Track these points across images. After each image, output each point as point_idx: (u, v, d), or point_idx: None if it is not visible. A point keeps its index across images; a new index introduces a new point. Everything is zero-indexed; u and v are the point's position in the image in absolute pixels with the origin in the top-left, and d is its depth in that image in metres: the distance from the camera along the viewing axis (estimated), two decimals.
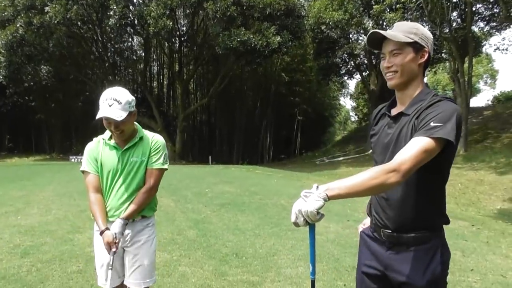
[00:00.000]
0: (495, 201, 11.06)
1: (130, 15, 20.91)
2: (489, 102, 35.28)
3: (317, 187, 1.44)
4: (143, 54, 29.80)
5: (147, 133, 2.50)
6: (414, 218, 1.63)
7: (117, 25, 20.06)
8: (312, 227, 1.57)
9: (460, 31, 18.85)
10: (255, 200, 8.25)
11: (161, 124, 25.97)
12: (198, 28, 26.98)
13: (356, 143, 27.49)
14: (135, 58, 29.80)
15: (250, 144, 33.01)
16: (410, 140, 1.49)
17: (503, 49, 25.23)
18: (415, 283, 1.60)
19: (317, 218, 1.41)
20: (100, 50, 26.86)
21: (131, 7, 21.53)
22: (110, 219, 2.40)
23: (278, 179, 13.00)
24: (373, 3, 18.29)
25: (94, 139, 2.51)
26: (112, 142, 2.43)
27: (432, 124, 1.48)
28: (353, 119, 57.44)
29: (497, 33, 23.77)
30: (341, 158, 23.62)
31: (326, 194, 1.40)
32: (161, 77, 34.33)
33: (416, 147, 1.45)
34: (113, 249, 2.28)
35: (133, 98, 2.38)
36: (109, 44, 26.33)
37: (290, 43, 20.74)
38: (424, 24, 22.46)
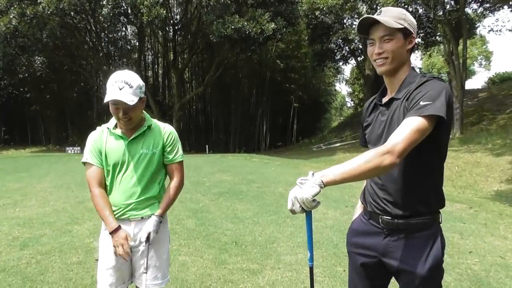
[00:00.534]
0: (492, 183, 11.13)
1: (123, 4, 20.63)
2: (485, 84, 35.30)
3: (313, 174, 1.44)
4: (137, 44, 29.51)
5: (156, 122, 2.32)
6: (415, 203, 1.61)
7: (110, 14, 19.80)
8: (308, 214, 1.57)
9: (454, 13, 18.76)
10: (253, 188, 8.26)
11: (157, 114, 25.84)
12: (192, 16, 26.68)
13: (352, 128, 27.52)
14: (129, 47, 29.52)
15: (247, 132, 32.98)
16: (403, 121, 1.48)
17: (497, 30, 25.20)
18: (416, 271, 1.59)
19: (313, 205, 1.41)
20: (94, 40, 26.57)
21: None
22: (119, 218, 2.20)
23: (276, 167, 13.01)
24: None
25: (98, 128, 2.28)
26: (118, 131, 2.21)
27: (421, 103, 1.47)
28: (349, 104, 57.38)
29: (490, 14, 23.64)
30: (337, 144, 23.66)
31: (322, 181, 1.40)
32: (156, 66, 34.08)
33: (408, 127, 1.44)
34: (127, 252, 2.11)
35: (143, 83, 2.22)
36: (102, 34, 26.06)
37: (284, 29, 20.56)
38: (418, 7, 22.40)
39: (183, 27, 27.36)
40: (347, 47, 27.28)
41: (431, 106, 1.45)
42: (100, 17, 20.80)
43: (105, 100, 2.06)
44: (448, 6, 20.03)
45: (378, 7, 20.34)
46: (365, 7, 22.09)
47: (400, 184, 1.62)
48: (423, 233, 1.62)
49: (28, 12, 19.72)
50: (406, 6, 23.11)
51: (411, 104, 1.52)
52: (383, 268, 1.70)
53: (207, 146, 24.77)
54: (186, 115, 32.56)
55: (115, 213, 2.19)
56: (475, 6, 23.03)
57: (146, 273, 2.16)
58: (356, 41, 25.68)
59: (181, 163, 2.35)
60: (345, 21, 24.47)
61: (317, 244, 4.54)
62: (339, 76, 44.75)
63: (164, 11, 19.93)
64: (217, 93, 32.57)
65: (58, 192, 7.94)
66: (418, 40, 28.54)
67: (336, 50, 28.10)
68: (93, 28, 25.37)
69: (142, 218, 2.22)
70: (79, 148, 22.70)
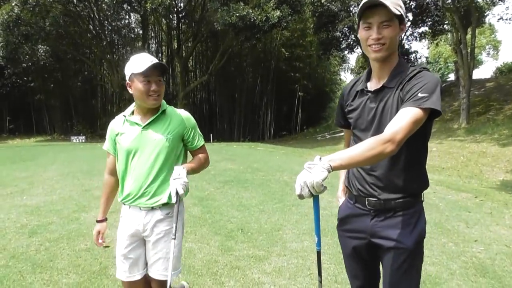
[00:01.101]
0: (497, 172, 11.10)
1: None
2: (493, 74, 34.92)
3: (320, 158, 1.46)
4: (140, 32, 29.37)
5: (171, 108, 2.31)
6: (401, 187, 1.69)
7: (114, 2, 19.72)
8: (316, 199, 1.59)
9: (463, 1, 18.44)
10: (258, 176, 8.27)
11: None
12: (196, 4, 26.47)
13: None
14: (132, 36, 29.39)
15: (251, 121, 32.92)
16: (399, 111, 1.54)
17: (506, 19, 24.72)
18: (404, 245, 1.68)
19: (321, 189, 1.42)
20: (97, 28, 26.47)
21: None
22: (131, 205, 2.21)
23: (280, 156, 13.02)
24: None
25: (116, 116, 2.33)
26: (133, 117, 2.22)
27: (420, 95, 1.52)
28: None
29: (500, 2, 23.27)
30: (342, 134, 23.38)
31: (330, 165, 1.43)
32: (160, 55, 33.90)
33: (406, 117, 1.49)
34: (101, 241, 2.35)
35: None
36: (106, 22, 25.96)
37: (289, 17, 20.39)
38: None
39: (187, 15, 27.19)
40: (352, 36, 26.98)
41: (429, 99, 1.51)
42: (103, 5, 20.73)
43: (140, 70, 2.06)
44: None
45: None
46: None
47: (388, 170, 1.69)
48: (408, 211, 1.71)
49: (30, 0, 19.63)
50: None
51: (407, 95, 1.57)
52: (373, 249, 1.78)
53: (211, 135, 24.77)
54: (190, 104, 32.49)
55: (127, 200, 2.22)
56: None
57: (174, 239, 2.10)
58: None
59: (203, 146, 2.37)
60: (351, 8, 24.17)
61: (323, 232, 4.56)
62: (344, 65, 44.40)
63: None
64: (222, 82, 32.46)
65: (64, 180, 7.99)
66: (425, 29, 28.29)
67: (341, 39, 27.83)
68: (96, 16, 25.26)
69: (152, 208, 2.19)
70: (83, 137, 22.80)
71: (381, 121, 1.67)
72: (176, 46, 28.68)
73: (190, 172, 2.19)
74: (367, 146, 1.46)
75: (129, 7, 22.87)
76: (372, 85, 1.76)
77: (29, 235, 4.57)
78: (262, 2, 19.34)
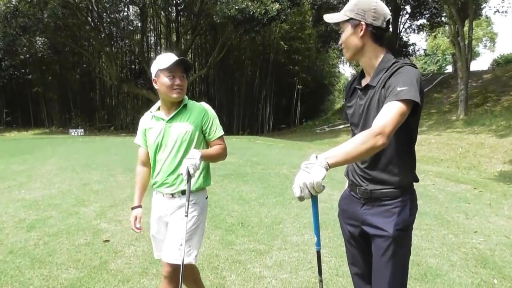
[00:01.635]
0: (496, 164, 11.11)
1: None
2: (490, 66, 34.86)
3: (316, 157, 1.47)
4: (139, 24, 29.14)
5: (192, 102, 2.49)
6: (384, 177, 1.77)
7: None
8: (315, 199, 1.58)
9: None
10: (257, 170, 8.26)
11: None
12: None
13: None
14: (131, 28, 29.08)
15: (250, 115, 32.83)
16: (384, 106, 1.59)
17: (502, 11, 24.76)
18: (386, 232, 1.75)
19: (322, 189, 1.42)
20: (96, 20, 26.24)
21: None
22: (157, 189, 2.42)
23: (280, 149, 13.00)
24: None
25: (145, 113, 2.55)
26: (158, 113, 2.44)
27: (398, 88, 1.58)
28: None
29: None
30: (341, 126, 23.55)
31: (327, 163, 1.44)
32: (159, 47, 33.66)
33: (392, 110, 1.55)
34: (138, 225, 2.50)
35: None
36: (104, 14, 25.69)
37: (289, 10, 20.26)
38: None
39: (186, 8, 26.95)
40: None
41: (408, 91, 1.56)
42: None
43: (166, 66, 2.28)
44: None
45: None
46: None
47: (374, 164, 1.79)
48: (393, 201, 1.77)
49: None
50: None
51: (388, 90, 1.64)
52: (365, 236, 1.86)
53: None
54: (189, 97, 32.19)
55: (155, 186, 2.42)
56: None
57: (186, 216, 2.21)
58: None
59: (221, 138, 2.48)
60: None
61: (323, 226, 4.55)
62: (343, 57, 44.23)
63: None
64: (221, 75, 32.30)
65: (63, 174, 7.96)
66: (423, 21, 28.14)
67: (340, 32, 27.66)
68: (95, 8, 25.01)
69: (172, 195, 2.36)
70: (82, 130, 22.73)
71: (366, 118, 1.77)
72: (175, 39, 28.49)
73: (207, 157, 2.33)
74: (359, 141, 1.50)
75: (128, 0, 22.69)
76: (364, 82, 1.86)
77: (28, 230, 4.55)
78: None
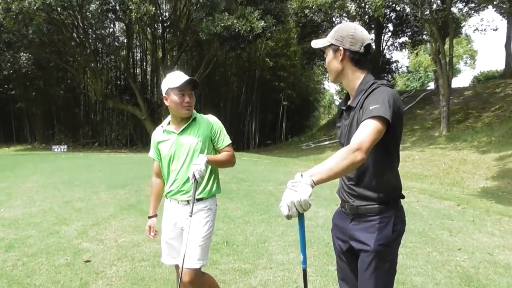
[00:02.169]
0: (478, 180, 11.28)
1: (112, 0, 20.34)
2: (471, 82, 35.69)
3: (301, 175, 1.51)
4: (125, 41, 29.13)
5: (200, 115, 2.68)
6: (368, 194, 1.86)
7: (98, 11, 19.46)
8: (301, 217, 1.61)
9: (441, 13, 18.94)
10: (243, 187, 8.22)
11: (146, 112, 25.59)
12: (181, 14, 26.41)
13: None
14: (117, 44, 29.05)
15: (236, 130, 32.81)
16: (360, 125, 1.70)
17: (481, 30, 25.55)
18: (368, 247, 1.82)
19: (308, 207, 1.47)
20: (81, 36, 26.13)
21: None
22: (171, 198, 2.61)
23: (265, 165, 13.00)
24: None
25: (157, 127, 2.73)
26: (169, 127, 2.63)
27: (371, 107, 1.70)
28: (337, 102, 57.43)
29: (475, 14, 24.08)
30: (326, 142, 23.71)
31: (312, 180, 1.50)
32: (145, 63, 33.65)
33: (368, 128, 1.65)
34: (152, 234, 2.73)
35: None
36: (90, 30, 25.61)
37: (274, 27, 20.46)
38: (405, 6, 22.57)
39: (172, 24, 27.09)
40: None
41: (379, 108, 1.67)
42: (88, 13, 20.40)
43: (176, 85, 2.48)
44: (435, 5, 20.22)
45: (367, 6, 20.45)
46: (353, 5, 22.13)
47: (358, 181, 1.89)
48: (377, 216, 1.85)
49: (13, 8, 19.25)
50: (394, 5, 23.36)
51: (364, 111, 1.76)
52: (354, 251, 1.93)
53: None
54: None
55: (170, 194, 2.61)
56: (460, 5, 23.38)
57: (191, 216, 2.42)
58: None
59: (229, 145, 2.70)
60: (334, 19, 24.52)
61: (309, 243, 4.53)
62: (327, 74, 44.79)
63: (153, 8, 19.67)
64: (207, 91, 32.34)
65: (44, 191, 7.80)
66: (405, 39, 28.85)
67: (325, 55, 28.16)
68: (81, 25, 24.93)
69: (187, 202, 2.53)
70: (65, 146, 22.34)
71: (349, 137, 1.82)
72: (161, 55, 28.53)
73: (214, 162, 2.54)
74: (340, 157, 1.58)
75: (113, 16, 22.66)
76: (349, 103, 1.97)
77: (6, 250, 4.42)
78: (246, 13, 19.38)
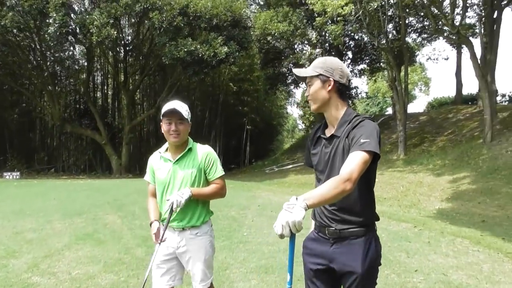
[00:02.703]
0: (434, 201, 11.69)
1: (72, 23, 19.98)
2: (425, 108, 37.43)
3: (296, 198, 1.65)
4: (85, 64, 28.56)
5: (196, 145, 2.78)
6: (351, 218, 1.96)
7: (57, 33, 19.04)
8: (293, 238, 1.73)
9: (396, 42, 19.99)
10: None
11: (106, 137, 24.93)
12: (144, 38, 26.34)
13: (304, 151, 27.76)
14: (77, 67, 28.39)
15: None
16: (350, 155, 1.82)
17: (434, 59, 27.19)
18: (356, 271, 1.91)
19: (301, 228, 1.59)
20: (39, 59, 25.35)
21: (72, 15, 20.60)
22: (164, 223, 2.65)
23: (229, 190, 12.68)
24: (316, 16, 18.89)
25: (154, 152, 2.84)
26: (166, 154, 2.73)
27: (362, 140, 1.82)
28: (300, 127, 58.56)
29: (428, 44, 25.66)
30: (290, 166, 23.97)
31: (306, 204, 1.63)
32: (106, 87, 33.03)
33: (357, 159, 1.78)
34: (158, 240, 2.60)
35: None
36: (48, 52, 24.92)
37: (237, 53, 20.80)
38: (363, 35, 23.67)
39: (134, 48, 26.92)
40: None
41: (369, 143, 1.81)
42: (46, 36, 19.92)
43: (162, 111, 2.62)
44: (390, 35, 21.35)
45: (327, 34, 21.26)
46: (314, 34, 22.94)
47: (341, 206, 1.97)
48: (360, 239, 1.96)
49: None
50: (352, 34, 24.43)
51: (353, 141, 1.87)
52: (332, 274, 2.02)
53: None
54: (137, 138, 31.68)
55: (164, 221, 2.64)
56: (414, 36, 24.86)
57: (161, 242, 2.56)
58: (306, 66, 26.41)
59: (221, 177, 2.77)
60: (295, 46, 25.25)
61: (270, 269, 4.51)
62: (290, 99, 45.66)
63: (115, 32, 19.52)
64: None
65: None
66: (364, 66, 30.11)
67: (287, 74, 28.78)
68: (38, 47, 24.24)
69: (183, 229, 2.66)
70: (18, 173, 21.25)
71: (332, 165, 1.98)
72: (122, 78, 28.16)
73: (199, 196, 2.63)
74: (331, 185, 1.71)
75: (73, 39, 22.25)
76: (327, 132, 2.09)
77: None
78: (210, 38, 19.62)
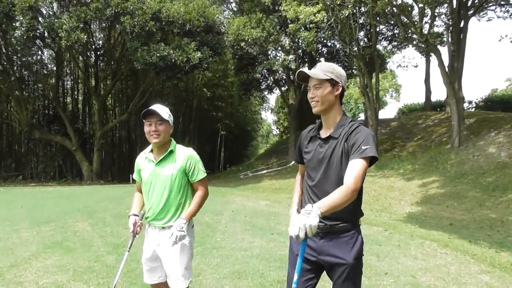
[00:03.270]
0: (404, 205, 11.98)
1: (39, 27, 19.42)
2: (396, 114, 38.38)
3: (312, 206, 1.83)
4: (55, 68, 27.80)
5: (178, 147, 2.84)
6: (341, 216, 2.11)
7: (24, 37, 18.49)
8: (305, 241, 1.89)
9: (367, 50, 20.48)
10: None
11: (76, 143, 24.30)
12: (116, 43, 25.94)
13: (278, 155, 28.23)
14: (45, 72, 27.60)
15: None
16: (351, 162, 2.02)
17: (404, 66, 28.04)
18: (346, 261, 2.12)
19: (315, 231, 1.78)
20: (5, 63, 24.50)
21: (40, 18, 20.03)
22: (150, 222, 2.82)
23: None
24: (289, 22, 19.11)
25: (141, 153, 2.95)
26: (150, 155, 2.83)
27: (363, 147, 2.02)
28: (274, 132, 58.94)
29: (398, 51, 26.44)
30: (264, 171, 24.07)
31: (320, 211, 1.82)
32: (76, 92, 32.26)
33: (359, 167, 1.99)
34: (134, 233, 2.87)
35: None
36: (15, 57, 24.10)
37: (210, 59, 20.76)
38: (335, 42, 24.13)
39: (105, 53, 26.44)
40: (271, 77, 28.26)
41: (370, 149, 2.02)
42: (12, 40, 19.30)
43: (142, 113, 2.74)
44: (362, 43, 21.87)
45: (299, 41, 21.55)
46: (287, 40, 23.20)
47: None
48: (348, 233, 2.16)
49: None
50: (325, 41, 24.84)
51: (353, 147, 2.06)
52: (317, 265, 2.20)
53: (131, 175, 23.70)
54: (108, 143, 31.06)
55: (148, 219, 2.83)
56: (385, 43, 25.54)
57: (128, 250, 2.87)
58: (280, 71, 26.71)
59: (203, 179, 2.85)
60: (269, 52, 25.45)
61: (243, 275, 4.51)
62: (264, 105, 46.05)
63: (85, 36, 19.13)
64: (142, 121, 31.45)
65: None
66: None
67: (261, 80, 28.97)
68: (4, 51, 23.45)
69: (162, 227, 2.76)
70: None
71: (329, 165, 2.15)
72: (93, 83, 27.59)
73: (193, 215, 2.76)
74: (341, 195, 1.91)
75: (41, 43, 21.65)
76: (322, 133, 2.24)
77: None
78: (183, 44, 19.49)
